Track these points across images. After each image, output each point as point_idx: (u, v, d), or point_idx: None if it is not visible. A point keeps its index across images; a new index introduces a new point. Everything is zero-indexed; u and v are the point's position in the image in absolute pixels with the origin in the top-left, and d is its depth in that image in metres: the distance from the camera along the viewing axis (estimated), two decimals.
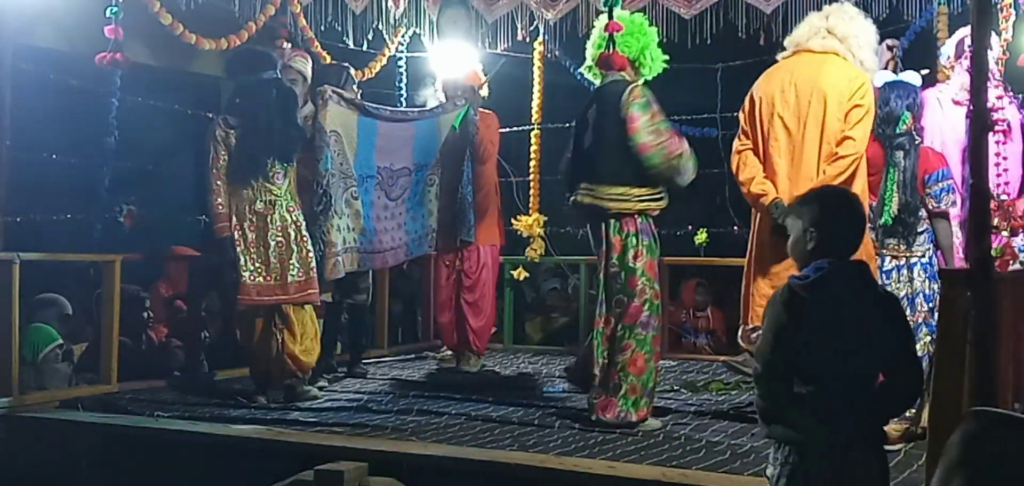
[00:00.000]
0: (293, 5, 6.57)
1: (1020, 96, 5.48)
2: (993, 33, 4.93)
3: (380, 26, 6.91)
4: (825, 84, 4.35)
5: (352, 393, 5.94)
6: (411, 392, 5.95)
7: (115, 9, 5.47)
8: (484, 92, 6.96)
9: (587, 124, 4.98)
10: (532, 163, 8.06)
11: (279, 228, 5.49)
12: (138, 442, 5.05)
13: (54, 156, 6.60)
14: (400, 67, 8.02)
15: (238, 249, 5.43)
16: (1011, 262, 4.72)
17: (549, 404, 5.50)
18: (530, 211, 7.99)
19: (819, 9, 6.09)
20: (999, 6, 5.47)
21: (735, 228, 7.02)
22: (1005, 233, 4.80)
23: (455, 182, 6.64)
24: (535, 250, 7.89)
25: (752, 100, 4.53)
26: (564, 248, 7.98)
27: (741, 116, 4.61)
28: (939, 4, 6.18)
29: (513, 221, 7.89)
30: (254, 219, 5.47)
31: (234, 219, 5.46)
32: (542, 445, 4.49)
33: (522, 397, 5.76)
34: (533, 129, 8.07)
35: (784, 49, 4.69)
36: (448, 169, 6.65)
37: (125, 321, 6.11)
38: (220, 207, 5.46)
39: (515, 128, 8.22)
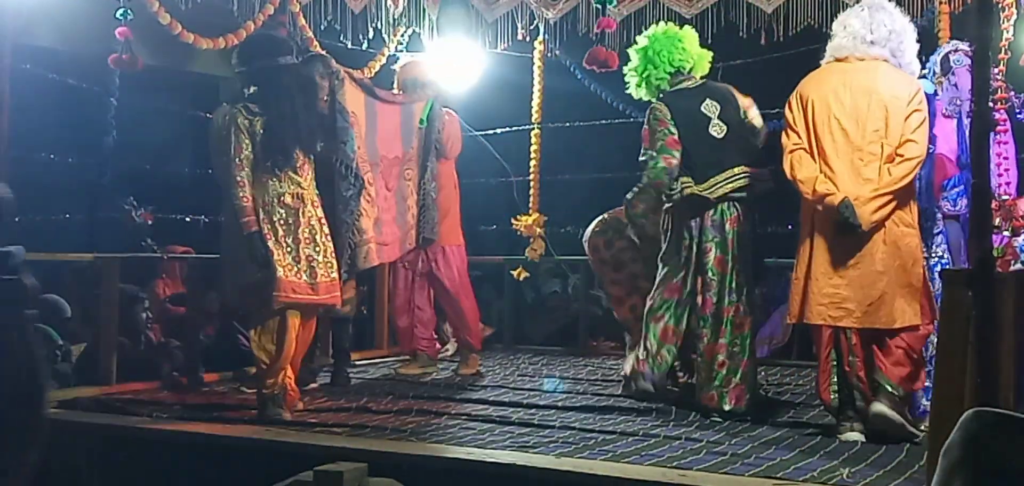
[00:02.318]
0: (292, 4, 6.56)
1: (1021, 96, 5.47)
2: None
3: (379, 25, 6.89)
4: (883, 91, 4.50)
5: (352, 393, 5.93)
6: (411, 392, 5.94)
7: (124, 11, 5.44)
8: (444, 88, 6.77)
9: (708, 118, 5.26)
10: (532, 163, 8.04)
11: (307, 223, 5.14)
12: (137, 442, 5.04)
13: (53, 156, 6.60)
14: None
15: (269, 244, 5.04)
16: (1012, 262, 4.72)
17: (549, 404, 5.49)
18: (530, 211, 7.99)
19: (819, 9, 6.12)
20: (1001, 5, 5.46)
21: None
22: (1006, 233, 4.80)
23: (420, 178, 6.47)
24: (535, 250, 7.88)
25: (802, 101, 4.64)
26: (564, 248, 7.98)
27: (788, 115, 4.70)
28: (941, 2, 6.17)
29: (513, 221, 7.89)
30: (283, 213, 5.09)
31: (260, 213, 5.07)
32: (542, 445, 4.48)
33: (522, 397, 5.74)
34: (533, 129, 8.06)
35: (823, 54, 4.80)
36: (417, 164, 6.49)
37: (123, 321, 6.11)
38: (246, 201, 5.04)
39: (515, 128, 8.21)
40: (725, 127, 5.27)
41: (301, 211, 5.12)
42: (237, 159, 5.05)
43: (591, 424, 4.97)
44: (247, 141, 5.08)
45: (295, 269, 5.07)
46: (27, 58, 6.29)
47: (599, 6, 4.88)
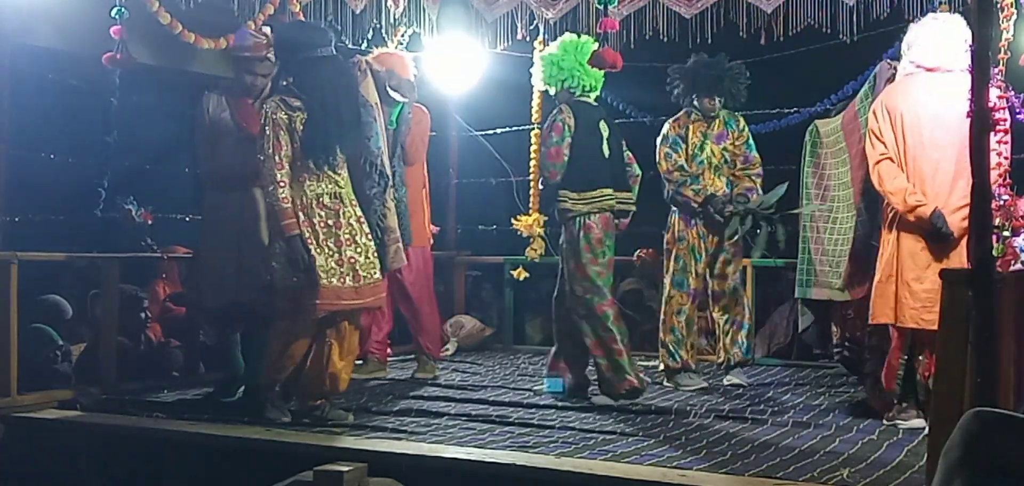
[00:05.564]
0: (292, 4, 6.55)
1: (1021, 96, 5.47)
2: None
3: (379, 25, 6.88)
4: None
5: (352, 393, 5.93)
6: (411, 392, 5.94)
7: (120, 10, 5.44)
8: (412, 83, 6.46)
9: (601, 136, 5.65)
10: (532, 163, 8.04)
11: (347, 224, 4.92)
12: (137, 442, 5.05)
13: (53, 156, 6.60)
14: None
15: (312, 249, 4.81)
16: (1012, 262, 4.72)
17: (549, 404, 5.49)
18: (530, 211, 7.99)
19: (819, 9, 6.12)
20: (1000, 5, 5.46)
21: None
22: (1006, 233, 4.81)
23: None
24: (535, 250, 7.88)
25: (889, 112, 4.78)
26: None
27: (874, 125, 4.83)
28: (940, 3, 6.16)
29: (513, 221, 7.89)
30: (323, 214, 4.86)
31: (301, 215, 4.83)
32: (542, 445, 4.49)
33: (522, 397, 5.74)
34: (533, 129, 8.06)
35: (899, 59, 5.02)
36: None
37: (123, 321, 6.11)
38: (286, 201, 4.78)
39: (515, 128, 8.21)
40: (610, 151, 5.67)
41: (341, 211, 4.92)
42: (277, 157, 4.79)
43: (591, 424, 4.97)
44: (285, 136, 4.82)
45: (338, 274, 4.85)
46: (27, 58, 6.28)
47: (601, 7, 4.87)
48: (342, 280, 4.86)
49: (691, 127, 6.22)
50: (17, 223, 5.97)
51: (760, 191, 6.15)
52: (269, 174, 4.81)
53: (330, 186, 4.92)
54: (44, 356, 5.89)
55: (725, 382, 6.14)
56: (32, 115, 6.33)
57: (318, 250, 4.82)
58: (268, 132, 4.81)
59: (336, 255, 4.87)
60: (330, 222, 4.88)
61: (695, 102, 6.22)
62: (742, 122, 6.30)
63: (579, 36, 5.82)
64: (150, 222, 6.84)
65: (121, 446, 5.07)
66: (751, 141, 6.26)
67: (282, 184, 4.79)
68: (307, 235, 4.81)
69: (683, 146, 6.21)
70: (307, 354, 4.99)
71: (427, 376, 6.55)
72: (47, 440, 5.18)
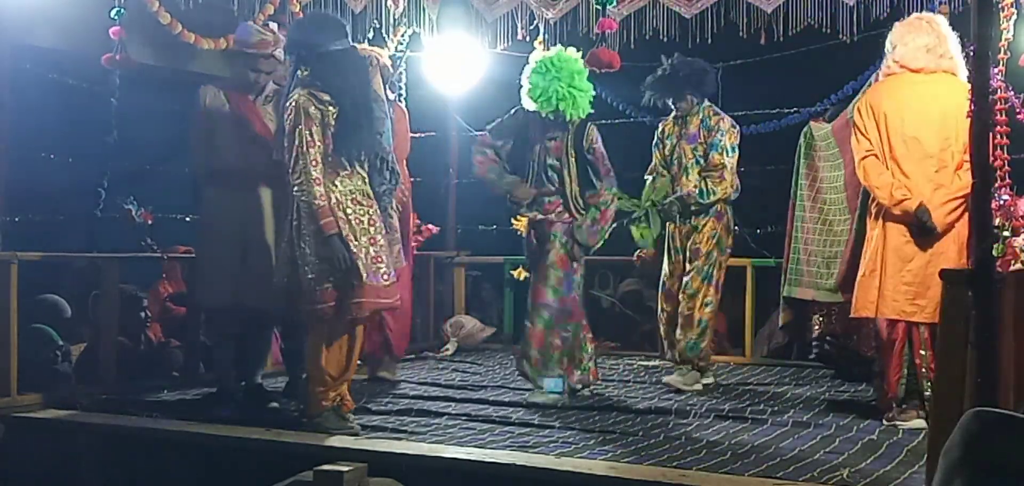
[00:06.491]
0: (292, 4, 6.55)
1: (1021, 96, 5.46)
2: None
3: (379, 25, 6.88)
4: (953, 103, 4.73)
5: (352, 394, 5.92)
6: (411, 392, 5.94)
7: (119, 10, 5.44)
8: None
9: None
10: None
11: (373, 221, 4.77)
12: (137, 442, 5.05)
13: (53, 156, 6.60)
14: (400, 67, 8.00)
15: (352, 247, 4.63)
16: (1012, 262, 4.72)
17: (549, 404, 5.49)
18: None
19: (819, 9, 6.12)
20: (1000, 5, 5.45)
21: (735, 228, 6.98)
22: (1006, 233, 4.81)
23: None
24: None
25: (874, 110, 4.87)
26: None
27: (858, 122, 4.91)
28: (940, 3, 6.16)
29: (513, 221, 7.87)
30: (357, 210, 4.70)
31: (338, 213, 4.65)
32: (542, 445, 4.49)
33: (522, 397, 5.74)
34: None
35: (880, 61, 5.11)
36: None
37: (123, 321, 6.10)
38: (322, 200, 4.57)
39: None
40: None
41: (372, 209, 4.78)
42: (310, 153, 4.57)
43: (591, 424, 4.97)
44: (318, 131, 4.61)
45: (370, 271, 4.68)
46: (27, 58, 6.29)
47: (599, 7, 4.88)
48: (376, 279, 4.70)
49: (669, 128, 6.32)
50: (17, 223, 5.97)
51: (714, 192, 6.03)
52: (304, 172, 4.58)
53: (360, 183, 4.77)
54: (44, 356, 5.89)
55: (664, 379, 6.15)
56: (32, 115, 6.33)
57: (357, 246, 4.65)
58: (301, 127, 4.58)
59: (369, 253, 4.71)
60: (363, 220, 4.73)
61: (673, 103, 6.27)
62: (715, 121, 6.14)
63: (580, 50, 5.81)
64: (150, 222, 6.83)
65: (121, 446, 5.07)
66: (719, 141, 6.06)
67: (318, 181, 4.58)
68: (346, 232, 4.63)
69: (661, 147, 6.34)
70: (349, 355, 4.82)
71: (391, 377, 6.38)
72: (47, 440, 5.17)
